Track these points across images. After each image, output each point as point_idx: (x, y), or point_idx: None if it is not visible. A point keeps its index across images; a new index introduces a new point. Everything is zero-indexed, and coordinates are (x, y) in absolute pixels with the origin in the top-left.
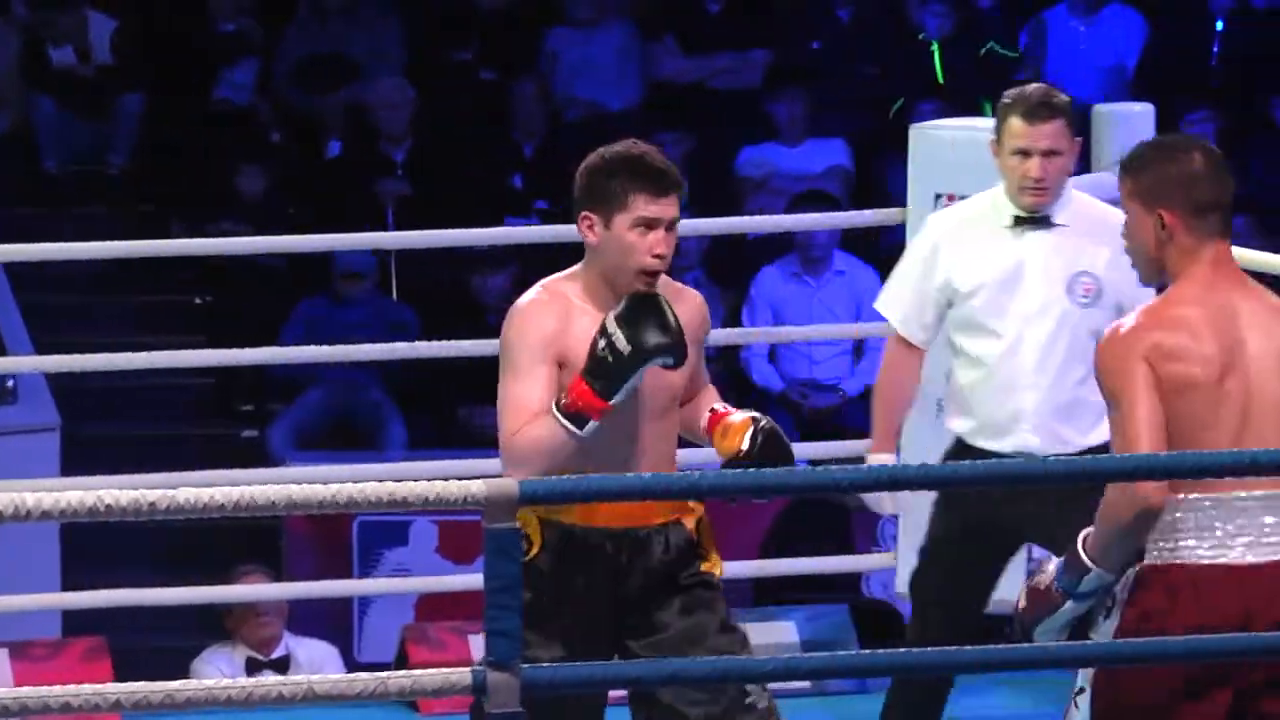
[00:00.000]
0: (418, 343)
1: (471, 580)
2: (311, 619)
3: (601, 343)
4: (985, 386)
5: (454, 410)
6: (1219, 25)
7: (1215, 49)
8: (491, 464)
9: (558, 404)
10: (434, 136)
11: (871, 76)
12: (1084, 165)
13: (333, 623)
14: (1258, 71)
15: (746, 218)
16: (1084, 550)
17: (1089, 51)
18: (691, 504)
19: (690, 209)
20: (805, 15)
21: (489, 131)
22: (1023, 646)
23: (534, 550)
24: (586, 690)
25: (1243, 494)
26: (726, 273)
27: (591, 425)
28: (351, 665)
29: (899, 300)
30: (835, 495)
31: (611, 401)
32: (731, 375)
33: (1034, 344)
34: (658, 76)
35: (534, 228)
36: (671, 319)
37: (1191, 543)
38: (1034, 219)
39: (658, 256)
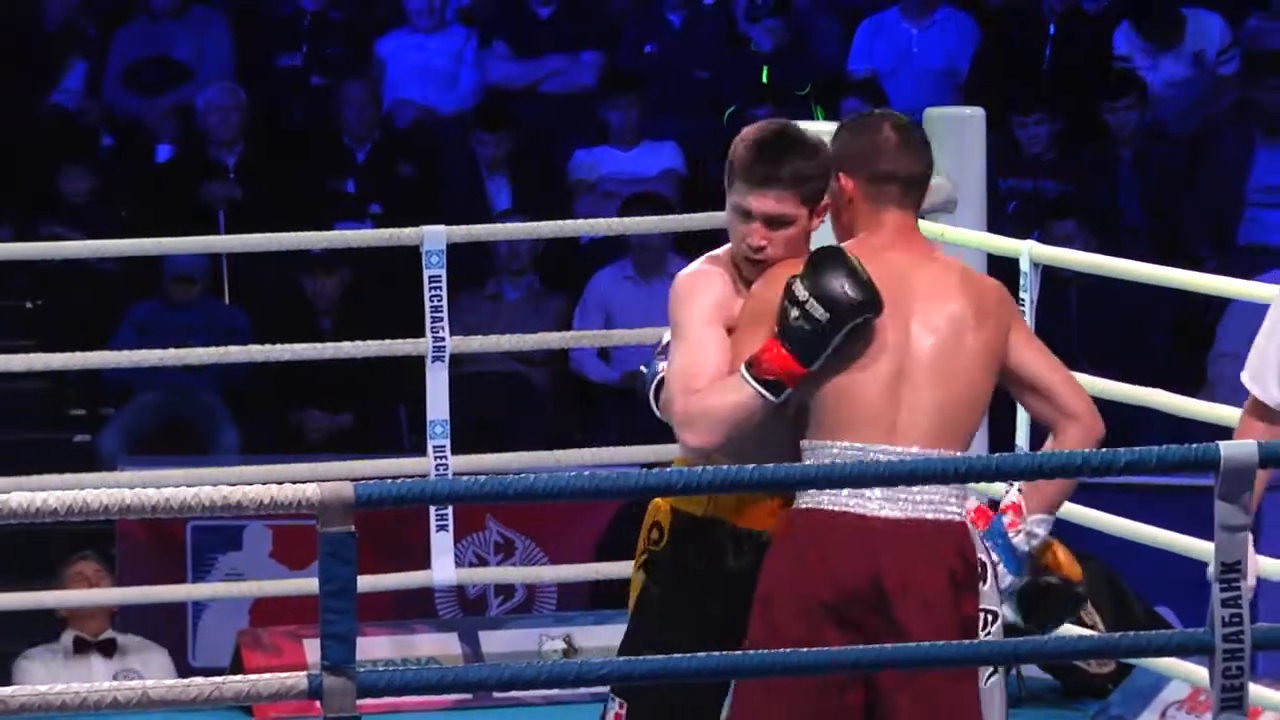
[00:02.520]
0: (250, 346)
1: (305, 584)
2: (146, 623)
3: (794, 311)
4: None
5: (286, 414)
6: (1051, 29)
7: (1047, 52)
8: (323, 467)
9: (749, 367)
10: (265, 140)
11: (703, 80)
12: None
13: (167, 627)
14: (1089, 74)
15: (580, 221)
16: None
17: (921, 55)
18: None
19: (522, 212)
20: (637, 19)
21: (320, 135)
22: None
23: (664, 541)
24: (420, 694)
25: (887, 447)
26: (559, 276)
27: (787, 392)
28: (186, 669)
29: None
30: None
31: (811, 368)
32: (564, 377)
33: None
34: (489, 80)
35: (366, 231)
36: (861, 272)
37: (828, 491)
38: None
39: (753, 248)
